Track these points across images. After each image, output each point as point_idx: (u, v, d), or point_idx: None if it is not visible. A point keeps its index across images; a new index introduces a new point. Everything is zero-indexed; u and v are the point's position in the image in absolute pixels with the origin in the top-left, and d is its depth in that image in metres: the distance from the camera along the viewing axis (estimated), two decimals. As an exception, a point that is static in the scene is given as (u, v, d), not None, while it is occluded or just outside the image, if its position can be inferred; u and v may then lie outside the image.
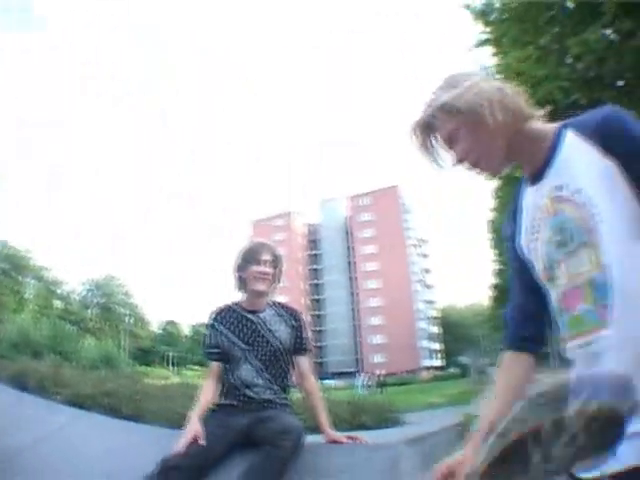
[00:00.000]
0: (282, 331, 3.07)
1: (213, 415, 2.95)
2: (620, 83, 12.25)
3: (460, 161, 1.37)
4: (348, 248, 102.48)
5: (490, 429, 1.08)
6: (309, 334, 3.29)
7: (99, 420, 4.52)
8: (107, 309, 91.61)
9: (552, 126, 1.36)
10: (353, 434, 3.07)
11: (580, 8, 12.33)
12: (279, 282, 3.21)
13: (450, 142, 1.37)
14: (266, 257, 3.09)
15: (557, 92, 12.99)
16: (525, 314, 1.49)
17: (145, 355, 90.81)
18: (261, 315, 3.09)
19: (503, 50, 15.52)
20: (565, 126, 1.33)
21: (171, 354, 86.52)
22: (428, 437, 4.21)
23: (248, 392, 2.94)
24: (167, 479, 2.48)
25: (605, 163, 1.20)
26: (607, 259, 1.18)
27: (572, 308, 1.28)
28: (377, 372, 38.71)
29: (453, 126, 1.34)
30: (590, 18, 11.84)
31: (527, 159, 1.38)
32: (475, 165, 1.38)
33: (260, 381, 2.97)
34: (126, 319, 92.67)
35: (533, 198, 1.39)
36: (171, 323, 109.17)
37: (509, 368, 1.50)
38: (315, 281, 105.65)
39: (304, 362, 3.16)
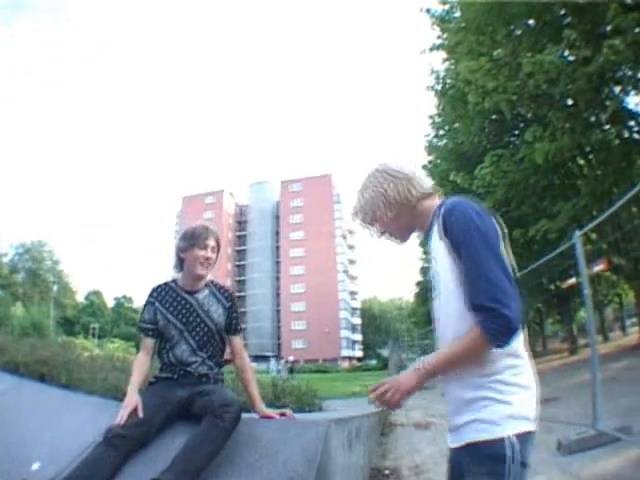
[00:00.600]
0: (217, 312, 3.20)
1: (153, 387, 3.10)
2: (569, 102, 12.75)
3: (381, 235, 2.06)
4: (276, 232, 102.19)
5: None
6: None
7: (38, 388, 4.53)
8: (36, 275, 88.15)
9: (435, 205, 1.94)
10: (284, 410, 3.26)
11: (541, 27, 12.75)
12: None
13: (373, 225, 2.04)
14: (211, 243, 3.17)
15: (504, 104, 13.49)
16: None
17: (69, 324, 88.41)
18: (198, 296, 3.19)
19: (455, 57, 15.95)
20: (440, 206, 1.88)
21: (93, 326, 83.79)
22: (353, 419, 4.46)
23: (185, 368, 3.08)
24: (113, 447, 2.62)
25: (442, 241, 1.80)
26: (440, 305, 1.88)
27: (436, 329, 1.95)
28: (291, 358, 39.33)
29: (371, 221, 2.03)
30: (549, 39, 12.28)
31: (421, 227, 2.01)
32: (389, 238, 2.07)
33: (196, 359, 3.10)
34: (53, 287, 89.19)
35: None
36: (95, 293, 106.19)
37: None
38: (239, 262, 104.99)
39: (237, 341, 3.31)
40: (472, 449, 1.74)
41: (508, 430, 1.68)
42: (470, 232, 1.71)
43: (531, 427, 1.74)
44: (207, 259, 3.13)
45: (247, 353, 3.45)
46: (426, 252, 2.17)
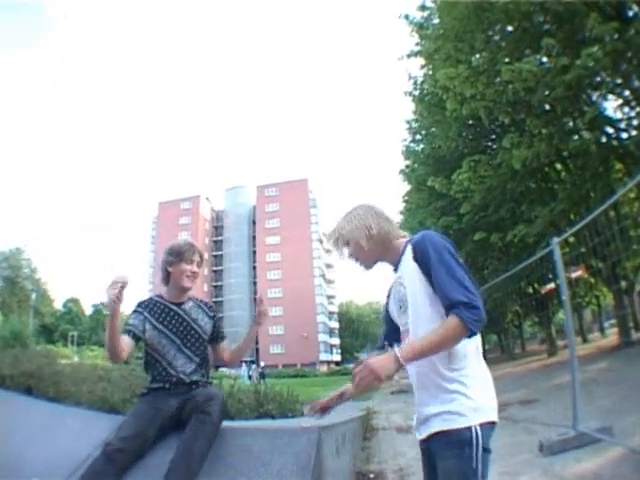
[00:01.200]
0: (204, 321, 3.32)
1: (145, 398, 3.12)
2: (546, 107, 12.83)
3: (349, 257, 2.34)
4: (253, 237, 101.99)
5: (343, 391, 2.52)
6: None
7: (26, 401, 4.51)
8: (14, 283, 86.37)
9: (403, 241, 2.25)
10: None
11: (520, 34, 12.83)
12: None
13: (344, 248, 2.33)
14: (196, 257, 3.31)
15: (482, 111, 13.60)
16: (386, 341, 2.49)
17: (48, 332, 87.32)
18: (184, 307, 3.30)
19: (433, 64, 16.04)
20: (409, 241, 2.20)
21: (72, 333, 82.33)
22: (339, 425, 4.50)
23: (180, 376, 3.13)
24: (112, 462, 2.65)
25: (414, 265, 2.08)
26: (410, 317, 2.13)
27: (404, 341, 2.18)
28: (262, 364, 39.59)
29: (345, 244, 2.31)
30: (527, 46, 12.38)
31: (391, 260, 2.29)
32: (356, 263, 2.34)
33: (190, 365, 3.18)
34: (32, 295, 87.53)
35: (393, 280, 2.30)
36: (73, 301, 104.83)
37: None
38: (216, 268, 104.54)
39: (221, 346, 3.46)
40: (442, 437, 2.00)
41: (473, 420, 1.95)
42: (440, 249, 2.03)
43: (493, 418, 2.03)
44: (193, 273, 3.27)
45: None
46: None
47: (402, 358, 1.88)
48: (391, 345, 2.51)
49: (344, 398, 2.53)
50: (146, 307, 3.24)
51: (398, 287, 2.23)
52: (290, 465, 2.77)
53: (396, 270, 2.26)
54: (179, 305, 3.28)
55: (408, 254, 2.14)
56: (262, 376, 35.74)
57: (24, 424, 3.76)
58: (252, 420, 5.15)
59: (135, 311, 3.26)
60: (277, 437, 3.01)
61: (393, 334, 2.39)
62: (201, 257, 3.36)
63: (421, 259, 2.06)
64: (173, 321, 3.21)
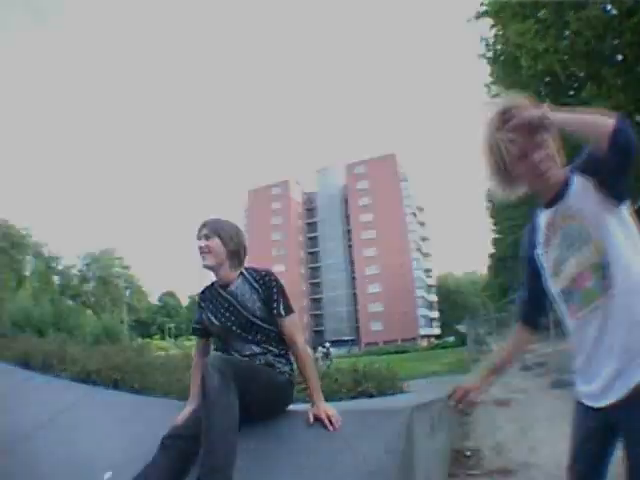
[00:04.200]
0: (250, 300, 3.08)
1: None
2: (619, 57, 12.22)
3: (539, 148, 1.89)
4: (346, 216, 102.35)
5: (495, 368, 2.21)
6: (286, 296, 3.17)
7: (110, 395, 4.63)
8: (106, 282, 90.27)
9: (565, 170, 1.87)
10: (333, 413, 2.87)
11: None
12: (240, 256, 3.22)
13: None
14: (203, 232, 3.11)
15: (556, 65, 13.03)
16: (532, 304, 2.15)
17: (144, 327, 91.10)
18: (231, 289, 3.12)
19: (502, 23, 15.47)
20: (572, 171, 1.84)
21: (169, 326, 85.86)
22: (435, 403, 4.33)
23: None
24: (167, 449, 2.67)
25: (589, 187, 1.75)
26: (609, 249, 1.72)
27: (582, 286, 1.80)
28: (327, 345, 39.81)
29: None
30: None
31: (545, 192, 1.93)
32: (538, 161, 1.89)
33: (250, 348, 3.05)
34: (125, 292, 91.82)
35: (546, 218, 1.95)
36: (169, 294, 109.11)
37: (518, 333, 2.22)
38: (312, 249, 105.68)
39: (284, 326, 3.08)
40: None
41: None
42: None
43: None
44: (200, 248, 3.09)
45: (304, 336, 3.30)
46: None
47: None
48: (530, 323, 2.19)
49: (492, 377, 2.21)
50: (204, 297, 3.25)
51: (564, 222, 1.86)
52: (378, 451, 2.64)
53: (551, 204, 1.91)
54: (226, 288, 3.14)
55: (579, 185, 1.79)
56: (326, 355, 36.16)
57: (105, 417, 3.90)
58: (348, 400, 5.07)
59: (197, 304, 3.31)
60: (366, 419, 2.94)
61: (538, 296, 2.08)
62: (215, 231, 3.11)
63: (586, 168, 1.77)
64: (221, 307, 3.13)
